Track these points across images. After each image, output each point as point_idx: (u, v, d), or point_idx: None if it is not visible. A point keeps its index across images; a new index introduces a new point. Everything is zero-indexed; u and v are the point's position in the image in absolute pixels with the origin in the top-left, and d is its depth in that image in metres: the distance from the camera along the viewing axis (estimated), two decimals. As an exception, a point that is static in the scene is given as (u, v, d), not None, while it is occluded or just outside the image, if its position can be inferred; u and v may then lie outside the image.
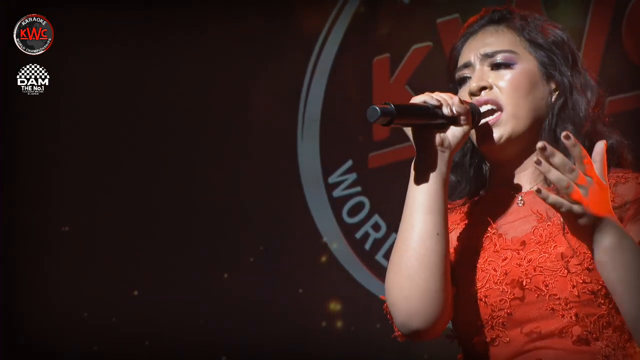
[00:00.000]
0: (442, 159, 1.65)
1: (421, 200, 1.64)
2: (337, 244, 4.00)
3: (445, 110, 1.64)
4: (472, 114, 1.69)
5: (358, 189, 4.01)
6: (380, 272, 3.87)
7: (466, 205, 1.81)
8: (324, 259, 4.01)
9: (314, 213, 4.04)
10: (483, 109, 1.72)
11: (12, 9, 3.92)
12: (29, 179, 4.31)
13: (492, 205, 1.76)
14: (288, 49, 4.15)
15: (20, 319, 4.23)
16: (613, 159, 1.71)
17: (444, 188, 1.65)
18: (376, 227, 3.95)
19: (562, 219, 1.61)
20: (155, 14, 4.24)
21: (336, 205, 4.02)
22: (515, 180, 1.75)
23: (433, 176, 1.64)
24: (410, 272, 1.62)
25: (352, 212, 4.01)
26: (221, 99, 4.24)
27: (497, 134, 1.71)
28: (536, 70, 1.73)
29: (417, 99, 1.65)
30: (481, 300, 1.65)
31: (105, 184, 4.27)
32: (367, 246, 3.96)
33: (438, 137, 1.64)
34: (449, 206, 1.79)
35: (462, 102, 1.66)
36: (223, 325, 4.04)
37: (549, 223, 1.66)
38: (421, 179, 1.64)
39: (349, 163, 4.00)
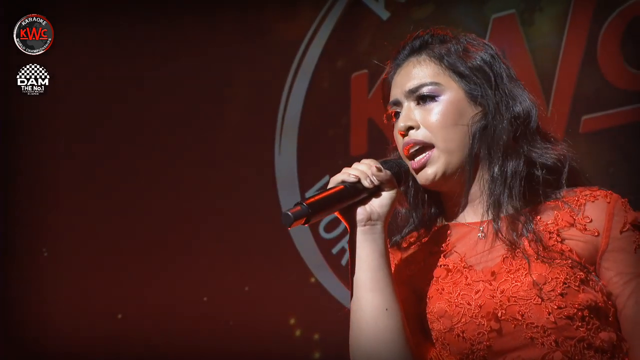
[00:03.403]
0: (375, 232, 1.63)
1: (364, 279, 1.62)
2: (314, 260, 3.99)
3: (366, 183, 1.62)
4: (398, 174, 1.68)
5: (335, 204, 4.01)
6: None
7: (424, 239, 1.79)
8: (299, 273, 4.00)
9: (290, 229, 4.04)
10: (413, 149, 1.71)
11: (12, 9, 3.92)
12: (30, 182, 4.32)
13: (455, 239, 1.73)
14: (265, 66, 4.17)
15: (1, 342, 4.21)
16: (560, 178, 1.70)
17: (385, 261, 1.63)
18: (353, 242, 3.95)
19: (530, 245, 1.62)
20: (155, 17, 4.25)
21: (313, 220, 4.02)
22: (469, 210, 1.74)
23: (370, 253, 1.62)
24: (369, 353, 1.61)
25: (329, 227, 4.00)
26: (203, 113, 4.25)
27: (431, 171, 1.70)
28: (462, 97, 1.72)
29: (334, 180, 1.63)
30: (459, 335, 1.63)
31: (94, 196, 4.28)
32: (344, 262, 3.96)
33: (363, 214, 1.62)
34: (404, 245, 1.79)
35: (380, 170, 1.64)
36: (203, 346, 4.04)
37: (517, 250, 1.64)
38: (359, 257, 1.63)
39: (326, 178, 3.99)
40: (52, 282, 4.26)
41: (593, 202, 1.66)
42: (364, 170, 1.63)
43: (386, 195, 1.65)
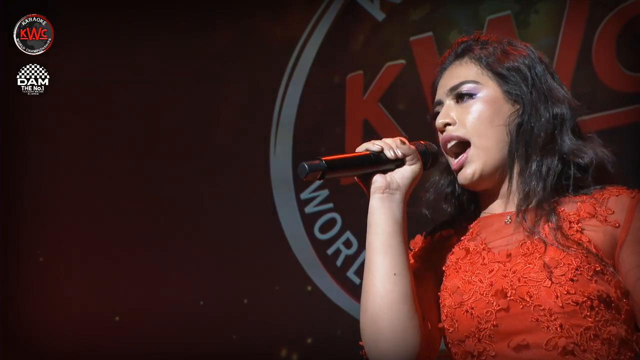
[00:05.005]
0: (393, 200, 1.68)
1: (376, 243, 1.67)
2: (308, 261, 3.99)
3: (389, 154, 1.68)
4: (425, 153, 1.74)
5: (330, 205, 4.01)
6: (351, 288, 3.87)
7: (456, 230, 1.84)
8: (295, 274, 4.00)
9: (285, 229, 4.04)
10: (450, 144, 1.77)
11: (12, 9, 3.92)
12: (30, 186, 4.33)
13: (481, 227, 1.78)
14: (261, 67, 4.17)
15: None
16: (593, 176, 1.72)
17: (398, 229, 1.68)
18: (347, 243, 3.95)
19: (550, 234, 1.65)
20: (153, 18, 4.26)
21: (308, 221, 4.02)
22: (501, 203, 1.79)
23: (385, 219, 1.67)
24: (374, 314, 1.65)
25: (324, 228, 4.00)
26: (198, 116, 4.25)
27: (470, 170, 1.75)
28: (499, 96, 1.76)
29: (360, 148, 1.69)
30: (467, 312, 1.66)
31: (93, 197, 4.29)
32: (339, 263, 3.95)
33: (381, 181, 1.68)
34: (436, 236, 1.85)
35: (404, 143, 1.70)
36: (200, 349, 4.04)
37: (536, 237, 1.67)
38: (375, 222, 1.68)
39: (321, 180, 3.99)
40: (48, 286, 4.25)
41: (617, 196, 1.68)
42: (388, 142, 1.69)
43: (408, 169, 1.70)
